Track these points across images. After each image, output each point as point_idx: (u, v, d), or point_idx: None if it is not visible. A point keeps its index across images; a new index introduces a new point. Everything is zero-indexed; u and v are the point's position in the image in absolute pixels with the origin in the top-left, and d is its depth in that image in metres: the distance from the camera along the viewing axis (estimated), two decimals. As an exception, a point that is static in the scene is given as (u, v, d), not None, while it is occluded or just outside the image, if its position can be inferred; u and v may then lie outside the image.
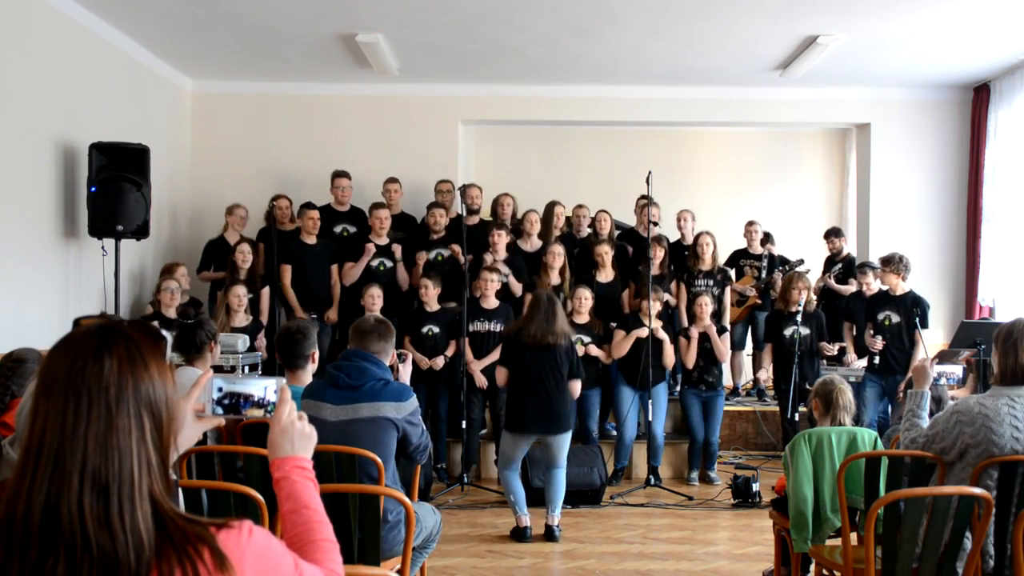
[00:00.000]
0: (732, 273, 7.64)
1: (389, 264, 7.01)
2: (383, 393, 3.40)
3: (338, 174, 7.51)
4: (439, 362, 6.43)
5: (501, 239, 6.92)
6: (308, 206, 7.17)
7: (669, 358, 6.53)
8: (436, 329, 6.51)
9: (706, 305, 6.70)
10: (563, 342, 5.18)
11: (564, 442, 5.25)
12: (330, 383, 3.45)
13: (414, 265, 7.05)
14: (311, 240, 7.03)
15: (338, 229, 7.42)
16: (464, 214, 6.88)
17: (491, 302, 6.50)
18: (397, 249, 7.01)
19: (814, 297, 7.00)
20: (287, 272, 6.96)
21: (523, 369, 5.15)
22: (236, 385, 1.76)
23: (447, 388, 6.53)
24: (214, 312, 6.54)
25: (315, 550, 1.52)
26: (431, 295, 6.52)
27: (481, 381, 6.39)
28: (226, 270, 6.84)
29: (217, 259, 7.21)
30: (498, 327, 6.42)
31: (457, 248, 6.85)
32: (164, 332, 1.36)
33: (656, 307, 6.46)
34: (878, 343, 6.30)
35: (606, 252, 7.00)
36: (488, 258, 6.85)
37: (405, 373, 3.82)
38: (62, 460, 1.20)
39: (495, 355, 6.29)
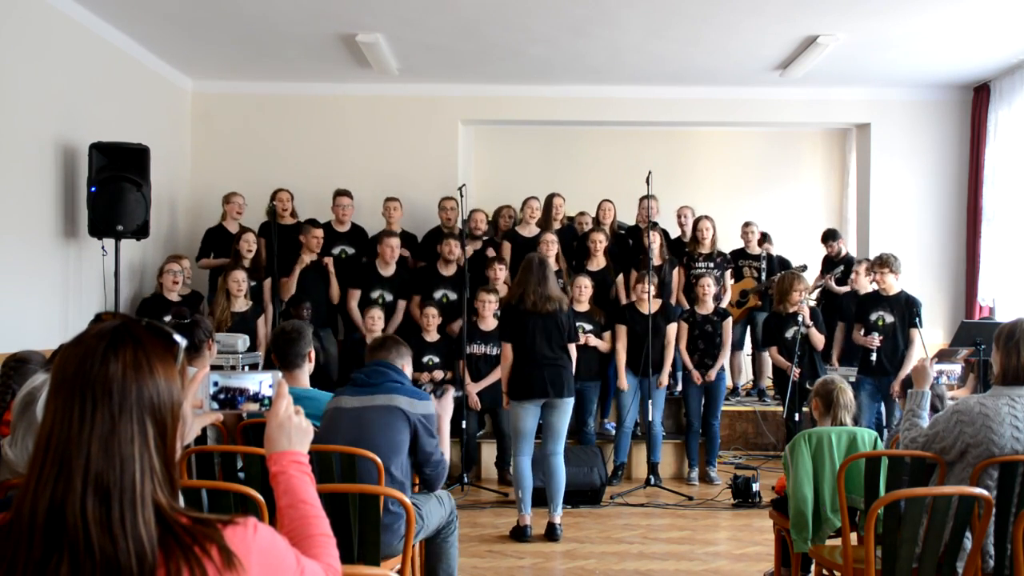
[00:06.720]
0: (730, 272, 7.62)
1: (389, 297, 6.99)
2: (399, 389, 3.51)
3: (340, 193, 7.42)
4: (437, 374, 6.52)
5: (501, 274, 6.88)
6: (312, 223, 7.11)
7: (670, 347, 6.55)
8: (436, 359, 6.56)
9: (709, 287, 6.69)
10: (562, 307, 5.23)
11: (567, 410, 5.26)
12: (351, 384, 3.59)
13: (412, 299, 7.06)
14: (311, 258, 6.96)
15: (336, 251, 7.30)
16: (465, 219, 6.93)
17: (489, 323, 6.52)
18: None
19: (812, 297, 6.98)
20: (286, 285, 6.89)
21: (527, 339, 5.16)
22: (231, 380, 1.76)
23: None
24: (214, 299, 6.52)
25: (312, 545, 1.52)
26: (431, 325, 6.58)
27: (475, 403, 6.43)
28: (229, 257, 6.81)
29: (217, 247, 7.20)
30: (495, 350, 6.44)
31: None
32: (178, 336, 1.34)
33: (654, 290, 6.47)
34: (876, 340, 6.25)
35: (600, 240, 7.03)
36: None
37: (445, 409, 3.76)
38: (67, 460, 1.20)
39: (494, 376, 6.33)
